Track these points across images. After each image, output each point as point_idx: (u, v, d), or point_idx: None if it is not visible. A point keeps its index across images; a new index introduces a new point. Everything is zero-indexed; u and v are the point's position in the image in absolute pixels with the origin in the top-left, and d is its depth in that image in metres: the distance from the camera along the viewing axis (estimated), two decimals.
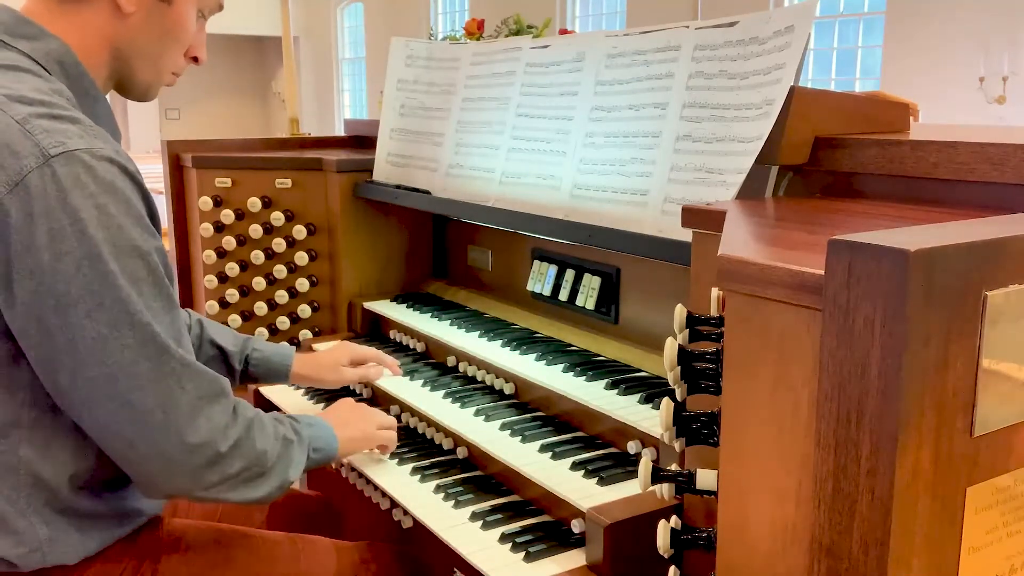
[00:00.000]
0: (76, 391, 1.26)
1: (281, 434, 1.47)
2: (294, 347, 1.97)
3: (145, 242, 1.27)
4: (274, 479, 1.43)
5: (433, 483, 1.68)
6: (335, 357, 1.99)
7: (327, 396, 2.16)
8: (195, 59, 1.55)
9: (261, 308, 2.53)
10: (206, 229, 2.50)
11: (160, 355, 1.27)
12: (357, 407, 1.77)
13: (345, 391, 2.14)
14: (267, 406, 2.16)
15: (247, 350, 1.89)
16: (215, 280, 2.52)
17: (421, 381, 2.03)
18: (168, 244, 2.74)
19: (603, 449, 1.65)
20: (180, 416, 1.29)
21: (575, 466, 1.57)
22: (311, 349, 2.37)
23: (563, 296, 2.05)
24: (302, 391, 2.23)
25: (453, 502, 1.60)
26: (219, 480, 1.35)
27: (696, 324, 1.08)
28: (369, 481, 1.77)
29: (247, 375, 1.90)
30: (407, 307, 2.41)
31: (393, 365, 2.05)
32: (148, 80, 1.49)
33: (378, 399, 2.13)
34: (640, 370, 1.81)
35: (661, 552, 1.09)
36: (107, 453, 1.32)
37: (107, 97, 1.48)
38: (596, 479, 1.51)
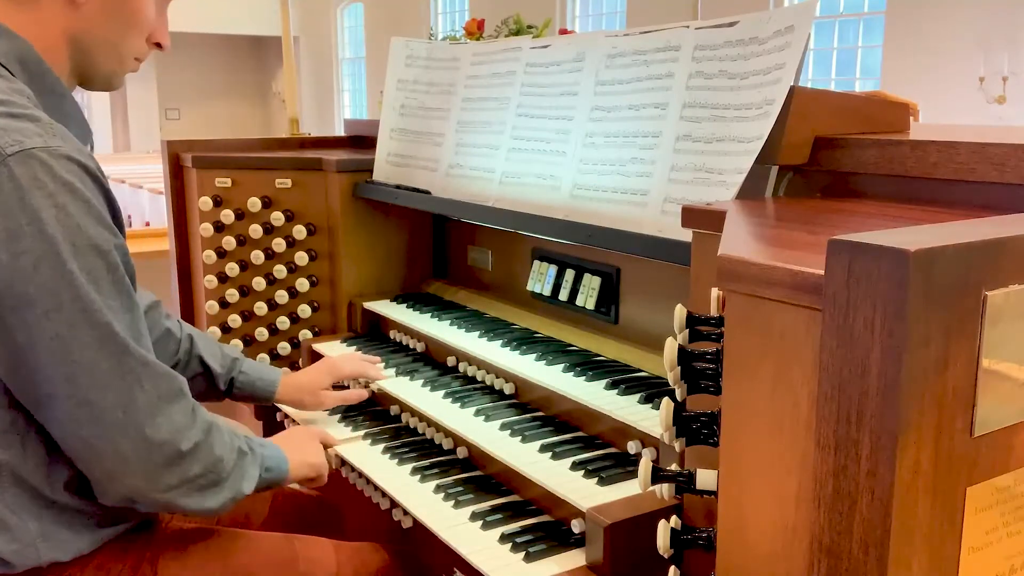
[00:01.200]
0: (36, 390, 1.26)
1: (236, 445, 1.46)
2: (282, 370, 1.98)
3: (105, 240, 1.26)
4: (228, 490, 1.42)
5: (433, 483, 1.68)
6: (317, 381, 2.00)
7: None
8: (158, 45, 1.51)
9: (261, 308, 2.53)
10: (206, 229, 2.50)
11: (120, 354, 1.26)
12: (308, 432, 1.79)
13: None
14: (267, 406, 2.16)
15: (234, 372, 1.89)
16: (215, 280, 2.52)
17: (421, 381, 2.03)
18: (168, 244, 2.74)
19: (603, 449, 1.65)
20: (140, 415, 1.28)
21: (575, 466, 1.57)
22: (311, 349, 2.37)
23: (563, 296, 2.05)
24: None
25: (453, 502, 1.60)
26: (177, 482, 1.34)
27: (696, 324, 1.08)
28: (369, 481, 1.77)
29: (231, 396, 1.91)
30: (407, 307, 2.41)
31: (378, 375, 2.07)
32: (110, 69, 1.47)
33: (378, 399, 2.13)
34: (640, 370, 1.81)
35: (661, 552, 1.09)
36: (66, 452, 1.31)
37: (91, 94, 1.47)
38: (596, 479, 1.51)
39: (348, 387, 2.10)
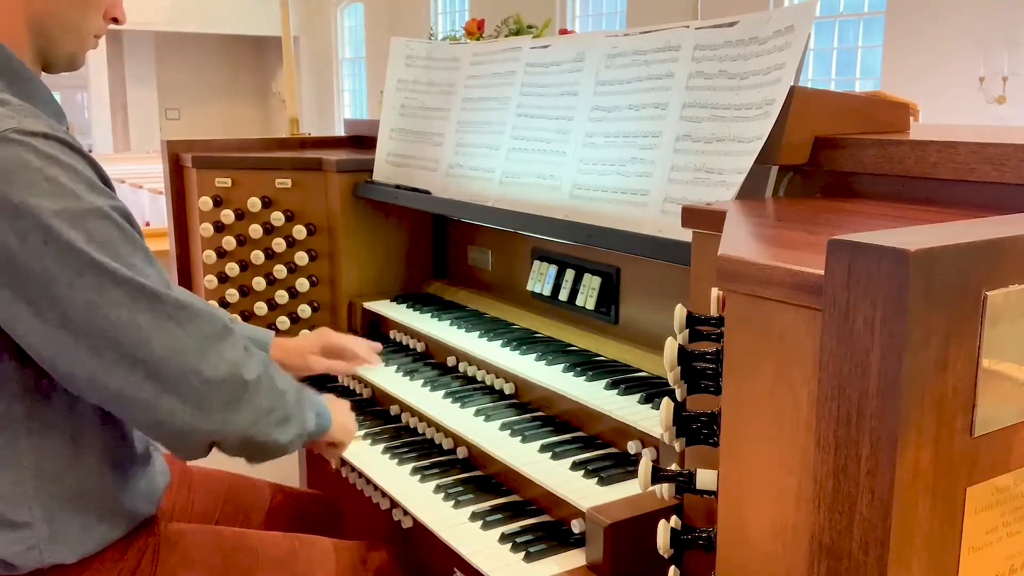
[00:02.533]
0: (83, 368, 1.25)
1: (293, 383, 1.47)
2: (273, 332, 1.97)
3: (104, 203, 1.26)
4: (295, 424, 1.43)
5: (433, 483, 1.68)
6: (306, 344, 1.99)
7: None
8: (115, 20, 1.49)
9: (261, 308, 2.53)
10: (206, 229, 2.50)
11: (154, 304, 1.26)
12: (340, 400, 1.76)
13: (343, 391, 2.14)
14: None
15: None
16: (215, 280, 2.52)
17: (421, 381, 2.03)
18: (168, 244, 2.74)
19: (603, 449, 1.65)
20: (192, 358, 1.29)
21: (575, 466, 1.57)
22: None
23: (563, 296, 2.05)
24: None
25: (453, 502, 1.60)
26: (253, 418, 1.35)
27: (696, 324, 1.08)
28: (369, 481, 1.77)
29: None
30: (407, 307, 2.41)
31: (369, 356, 2.04)
32: (72, 50, 1.45)
33: (378, 399, 2.13)
34: (640, 370, 1.81)
35: (661, 552, 1.09)
36: (134, 425, 1.31)
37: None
38: (596, 479, 1.51)
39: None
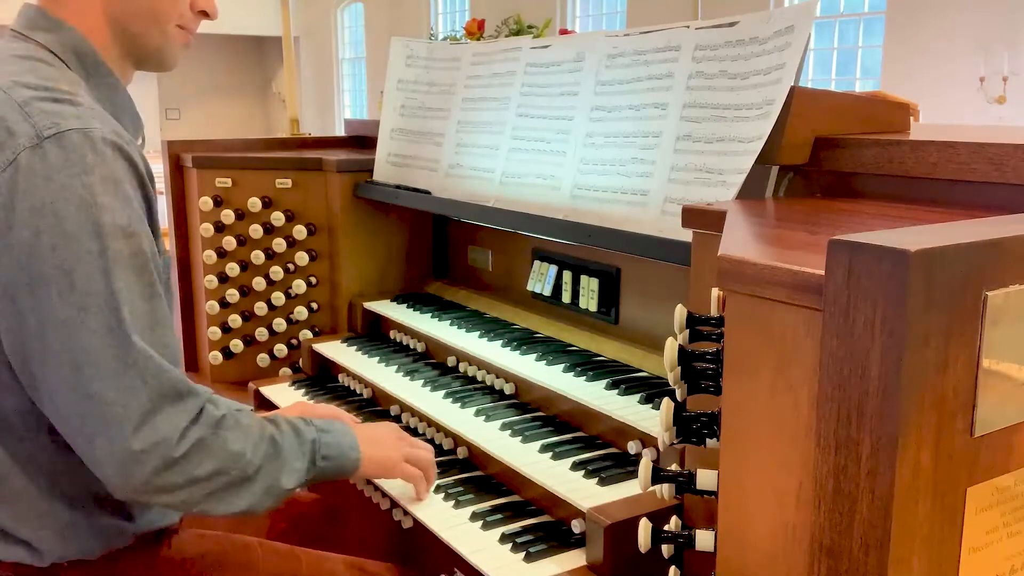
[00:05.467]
0: (44, 380, 1.24)
1: (268, 434, 1.38)
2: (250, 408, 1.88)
3: (131, 223, 1.25)
4: (258, 485, 1.35)
5: (433, 483, 1.68)
6: None
7: (327, 396, 2.16)
8: (204, 13, 1.49)
9: (261, 308, 2.52)
10: (206, 229, 2.50)
11: (126, 345, 1.23)
12: (398, 434, 1.64)
13: (344, 392, 2.13)
14: (269, 406, 2.16)
15: None
16: (215, 280, 2.52)
17: (421, 381, 2.03)
18: (168, 244, 2.74)
19: (603, 449, 1.65)
20: (139, 411, 1.24)
21: (575, 466, 1.57)
22: (311, 349, 2.37)
23: (563, 296, 2.05)
24: (302, 391, 2.23)
25: (453, 502, 1.60)
26: (186, 482, 1.28)
27: (696, 324, 1.08)
28: (369, 481, 1.77)
29: None
30: (407, 307, 2.41)
31: (352, 420, 1.91)
32: (157, 43, 1.46)
33: (378, 399, 2.13)
34: (640, 370, 1.81)
35: (641, 549, 1.09)
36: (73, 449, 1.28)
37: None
38: (596, 479, 1.51)
39: None
